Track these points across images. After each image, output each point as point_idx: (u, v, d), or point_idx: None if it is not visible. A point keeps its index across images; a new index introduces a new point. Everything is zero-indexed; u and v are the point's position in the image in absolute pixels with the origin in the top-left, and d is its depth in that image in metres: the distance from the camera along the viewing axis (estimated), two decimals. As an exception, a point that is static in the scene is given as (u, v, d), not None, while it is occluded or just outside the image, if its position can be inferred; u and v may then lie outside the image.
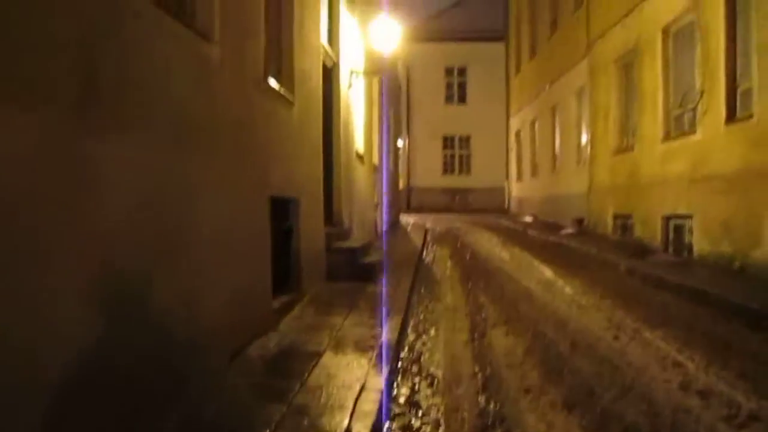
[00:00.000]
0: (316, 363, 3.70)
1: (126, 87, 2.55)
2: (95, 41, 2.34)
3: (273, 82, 4.80)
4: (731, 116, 8.07)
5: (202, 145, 3.39)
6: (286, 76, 5.46)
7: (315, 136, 6.54)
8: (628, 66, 11.79)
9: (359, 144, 10.38)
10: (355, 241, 8.16)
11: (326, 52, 7.67)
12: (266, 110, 4.71)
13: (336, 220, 8.08)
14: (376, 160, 13.03)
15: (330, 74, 8.10)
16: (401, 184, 27.19)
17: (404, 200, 28.05)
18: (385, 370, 3.60)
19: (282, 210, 5.26)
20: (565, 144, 16.42)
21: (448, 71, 30.24)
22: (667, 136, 9.92)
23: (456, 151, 30.25)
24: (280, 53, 5.46)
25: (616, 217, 12.23)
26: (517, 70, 23.13)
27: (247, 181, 4.21)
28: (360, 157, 10.28)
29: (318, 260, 6.49)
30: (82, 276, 2.25)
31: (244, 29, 4.20)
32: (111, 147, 2.43)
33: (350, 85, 8.94)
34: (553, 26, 17.62)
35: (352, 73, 9.04)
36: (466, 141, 30.08)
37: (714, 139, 8.36)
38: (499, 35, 26.09)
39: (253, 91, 4.34)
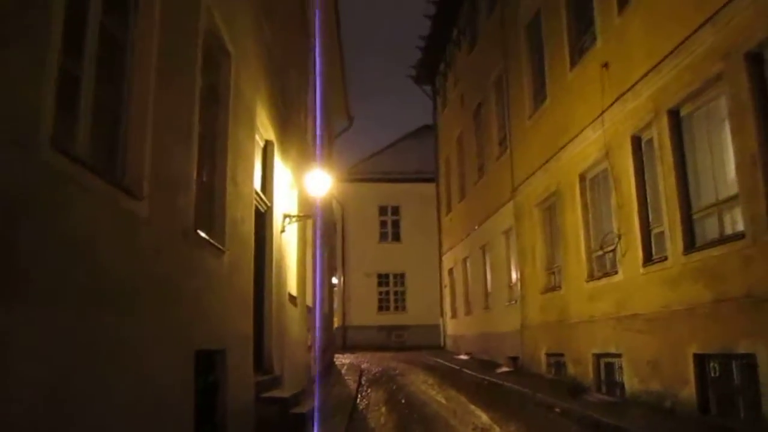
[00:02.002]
0: None
1: (44, 251, 2.50)
2: (10, 206, 2.31)
3: (203, 233, 4.80)
4: (648, 258, 8.51)
5: (123, 303, 3.29)
6: (217, 225, 5.48)
7: (245, 283, 6.47)
8: (551, 209, 12.42)
9: (292, 286, 10.32)
10: (287, 389, 7.88)
11: (260, 198, 7.80)
12: (195, 261, 4.67)
13: (267, 368, 7.82)
14: (309, 301, 12.92)
15: (263, 219, 8.19)
16: (336, 323, 26.87)
17: (340, 339, 27.59)
18: None
19: (208, 363, 5.07)
20: (497, 282, 16.78)
21: (382, 210, 31.05)
22: (591, 276, 10.30)
23: (391, 289, 30.40)
24: (212, 203, 5.51)
25: (549, 355, 12.33)
26: (448, 209, 23.97)
27: (171, 336, 4.07)
28: (293, 299, 10.19)
29: (246, 413, 6.20)
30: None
31: (175, 183, 4.25)
32: (20, 314, 2.33)
33: (283, 229, 9.03)
34: (480, 171, 18.58)
35: (285, 217, 9.18)
36: (401, 278, 30.35)
37: (634, 280, 8.73)
38: (430, 176, 27.23)
39: (182, 243, 4.32)
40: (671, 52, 7.66)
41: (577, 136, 10.60)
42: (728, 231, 7.03)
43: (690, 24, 7.25)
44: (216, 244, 5.25)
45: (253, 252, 6.89)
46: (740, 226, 6.68)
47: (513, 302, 14.99)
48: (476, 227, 18.64)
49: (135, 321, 3.45)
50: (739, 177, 6.60)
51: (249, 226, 6.71)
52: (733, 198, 6.87)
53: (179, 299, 4.28)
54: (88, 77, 3.17)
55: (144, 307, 3.60)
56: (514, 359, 14.34)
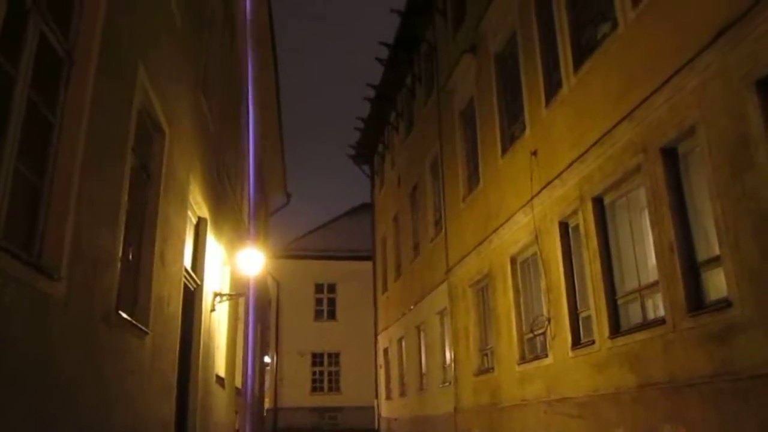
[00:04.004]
0: None
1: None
2: None
3: (125, 314, 4.62)
4: (576, 342, 8.65)
5: (32, 388, 3.10)
6: (141, 305, 5.30)
7: (169, 366, 6.22)
8: (484, 291, 12.58)
9: (221, 367, 9.98)
10: (209, 478, 7.48)
11: (189, 276, 7.62)
12: (114, 344, 4.47)
13: (189, 455, 7.43)
14: (239, 381, 12.49)
15: (192, 297, 7.97)
16: (268, 404, 25.94)
17: (271, 421, 26.56)
18: None
19: (123, 452, 4.78)
20: (431, 363, 16.66)
21: (318, 288, 30.72)
22: (523, 359, 10.37)
23: (325, 369, 29.74)
24: (137, 282, 5.34)
25: (482, 439, 12.18)
26: (384, 288, 23.91)
27: (83, 425, 3.84)
28: (221, 380, 9.83)
29: (163, 506, 5.83)
30: None
31: (98, 262, 4.11)
32: None
33: (213, 308, 8.80)
34: (416, 250, 18.74)
35: (216, 295, 8.97)
36: (335, 358, 29.77)
37: (563, 363, 8.83)
38: (367, 255, 27.25)
39: (101, 325, 4.14)
40: (594, 144, 8.08)
41: (508, 219, 10.88)
42: (650, 316, 7.26)
43: (611, 119, 7.70)
44: (139, 325, 5.06)
45: (179, 333, 6.67)
46: (661, 312, 6.91)
47: (447, 384, 14.86)
48: (412, 307, 18.62)
49: (44, 408, 3.25)
50: (659, 264, 6.88)
51: (176, 305, 6.51)
52: (654, 284, 7.14)
53: (95, 385, 4.06)
54: (9, 152, 3.09)
55: (55, 393, 3.39)
56: (448, 443, 14.09)
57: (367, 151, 25.68)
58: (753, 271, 5.47)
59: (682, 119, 6.48)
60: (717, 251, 6.08)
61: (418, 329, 18.14)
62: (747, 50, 5.59)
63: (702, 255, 6.44)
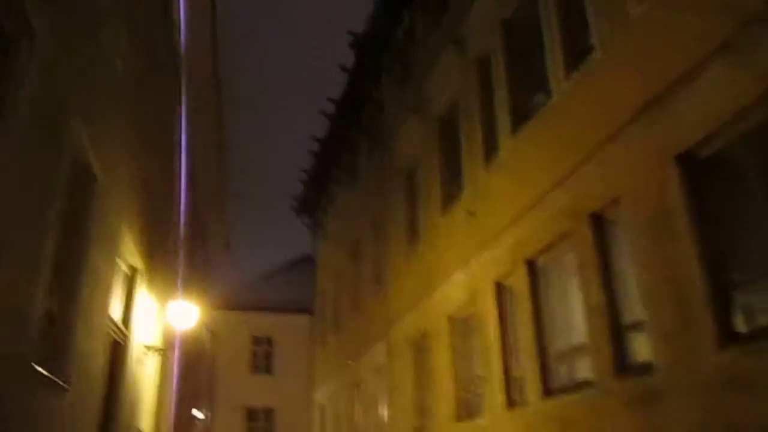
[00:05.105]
0: None
1: None
2: None
3: (43, 370, 4.42)
4: (511, 402, 8.67)
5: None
6: (62, 359, 5.08)
7: (91, 423, 5.94)
8: (422, 349, 12.53)
9: (147, 424, 9.58)
10: None
11: (117, 328, 7.37)
12: (29, 403, 4.26)
13: None
14: (166, 439, 11.99)
15: (120, 350, 7.69)
16: (198, 463, 24.83)
17: (199, 481, 25.39)
18: None
19: None
20: (368, 422, 16.37)
21: (256, 340, 30.00)
22: (459, 418, 10.32)
23: (260, 425, 28.78)
24: (58, 334, 5.14)
25: (416, 501, 11.94)
26: (323, 343, 23.56)
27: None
28: (146, 438, 9.43)
29: None
30: None
31: (14, 315, 3.95)
32: None
33: (141, 361, 8.51)
34: (357, 306, 18.60)
35: (145, 348, 8.68)
36: (269, 414, 28.89)
37: (498, 423, 8.82)
38: (307, 307, 26.87)
39: (16, 382, 3.95)
40: (529, 208, 8.31)
41: (447, 278, 10.97)
42: (580, 378, 7.37)
43: (543, 185, 7.96)
44: (58, 381, 4.84)
45: (103, 388, 6.40)
46: (590, 374, 7.03)
47: (383, 443, 14.61)
48: (350, 362, 18.37)
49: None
50: (588, 327, 7.04)
51: (100, 359, 6.28)
52: (583, 346, 7.28)
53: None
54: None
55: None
56: (382, 505, 13.75)
57: (311, 203, 25.64)
58: (673, 338, 5.67)
59: (607, 189, 6.77)
60: (641, 315, 6.28)
61: (356, 386, 17.87)
62: (667, 126, 5.93)
63: (627, 318, 6.63)
